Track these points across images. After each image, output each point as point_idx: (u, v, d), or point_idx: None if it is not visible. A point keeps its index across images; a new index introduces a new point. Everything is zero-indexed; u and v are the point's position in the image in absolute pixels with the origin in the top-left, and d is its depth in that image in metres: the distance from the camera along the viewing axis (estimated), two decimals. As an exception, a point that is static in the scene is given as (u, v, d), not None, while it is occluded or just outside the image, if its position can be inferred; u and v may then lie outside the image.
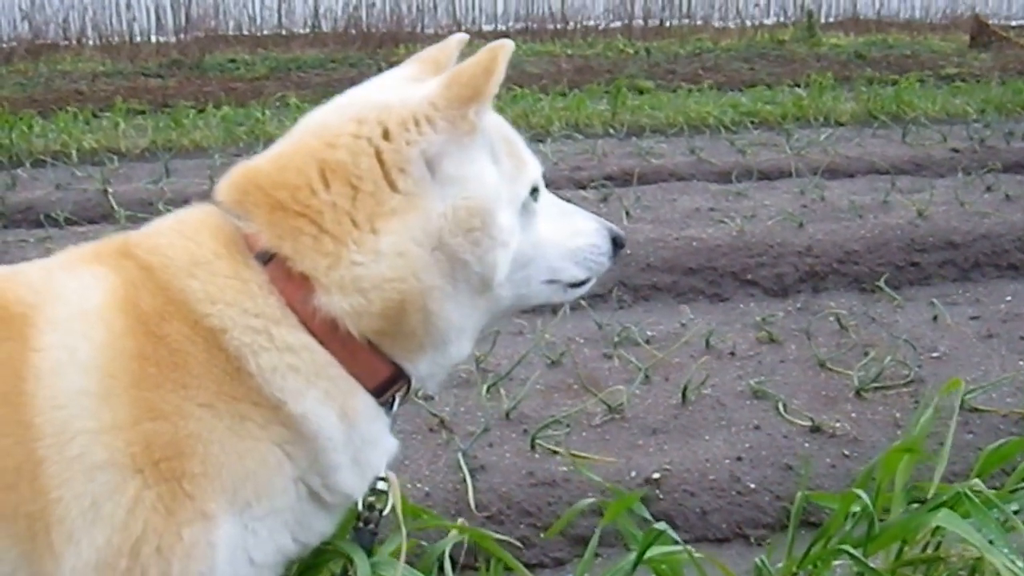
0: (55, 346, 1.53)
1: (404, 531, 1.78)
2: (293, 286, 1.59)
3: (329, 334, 1.60)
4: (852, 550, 2.05)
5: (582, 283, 1.86)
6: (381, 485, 1.76)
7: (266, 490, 1.58)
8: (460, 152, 1.64)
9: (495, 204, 1.66)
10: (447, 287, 1.65)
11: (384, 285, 1.59)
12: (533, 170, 1.76)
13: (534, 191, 1.76)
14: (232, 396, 1.56)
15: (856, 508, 2.20)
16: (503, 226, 1.67)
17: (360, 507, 1.76)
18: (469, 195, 1.64)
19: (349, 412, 1.62)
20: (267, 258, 1.60)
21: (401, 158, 1.61)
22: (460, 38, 1.94)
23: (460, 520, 2.78)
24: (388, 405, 1.70)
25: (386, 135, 1.62)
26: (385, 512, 1.78)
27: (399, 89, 1.74)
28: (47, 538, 1.49)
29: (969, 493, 1.92)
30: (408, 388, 1.72)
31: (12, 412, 1.50)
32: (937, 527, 2.04)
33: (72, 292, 1.60)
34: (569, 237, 1.83)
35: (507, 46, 1.66)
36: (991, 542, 1.87)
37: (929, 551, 2.14)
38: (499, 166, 1.70)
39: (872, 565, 2.08)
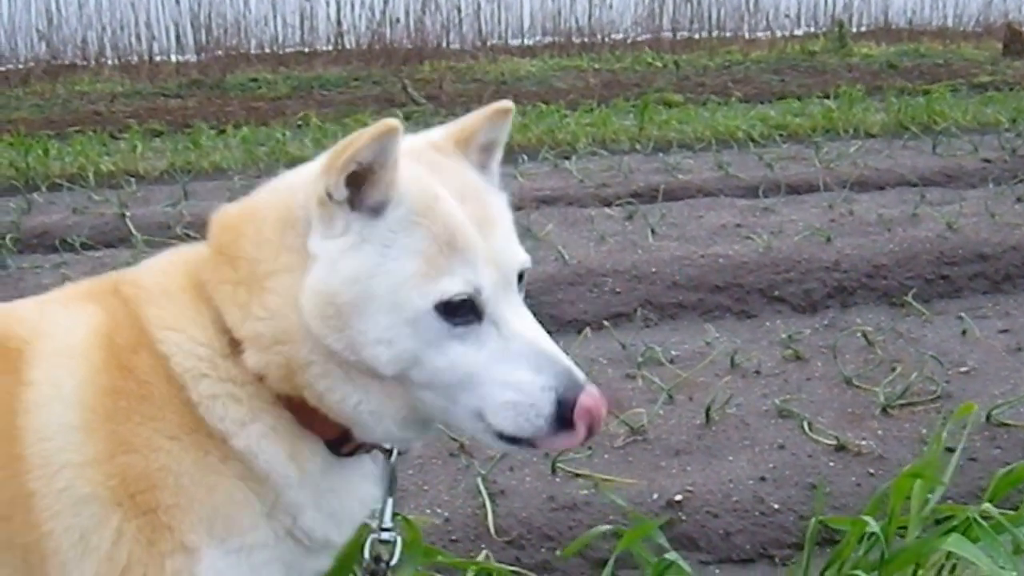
0: (43, 381, 1.58)
1: None
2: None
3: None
4: (865, 575, 2.04)
5: (515, 438, 1.57)
6: (386, 536, 1.75)
7: (237, 525, 1.57)
8: (324, 227, 1.53)
9: (354, 296, 1.51)
10: (330, 365, 1.55)
11: (273, 347, 1.55)
12: (450, 286, 1.52)
13: (454, 312, 1.53)
14: (192, 428, 1.56)
15: (874, 529, 2.19)
16: (374, 325, 1.51)
17: (367, 557, 1.75)
18: (321, 277, 1.52)
19: (299, 456, 1.60)
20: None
21: (295, 218, 1.56)
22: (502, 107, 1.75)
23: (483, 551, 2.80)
24: (362, 453, 1.66)
25: (298, 197, 1.58)
26: (392, 563, 1.76)
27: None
28: (42, 569, 1.55)
29: (978, 518, 1.91)
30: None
31: (7, 446, 1.55)
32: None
33: (61, 328, 1.64)
34: (500, 386, 1.55)
35: (386, 125, 1.50)
36: (1002, 567, 1.85)
37: (945, 574, 2.12)
38: (395, 261, 1.52)
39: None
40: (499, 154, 1.75)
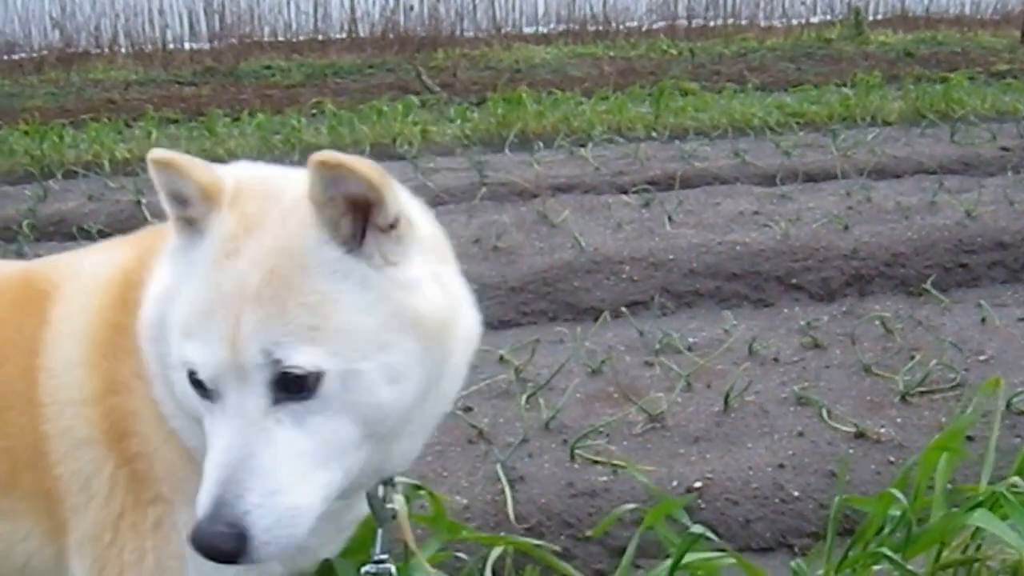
0: (59, 318, 1.57)
1: None
2: None
3: None
4: (891, 554, 2.02)
5: None
6: (376, 568, 1.68)
7: (188, 488, 1.45)
8: (176, 233, 1.46)
9: (157, 314, 1.43)
10: (158, 368, 1.48)
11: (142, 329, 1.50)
12: (181, 351, 1.38)
13: (193, 380, 1.38)
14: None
15: (896, 511, 2.18)
16: (175, 353, 1.40)
17: None
18: (154, 281, 1.46)
19: None
20: None
21: None
22: None
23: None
24: None
25: None
26: None
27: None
28: (60, 514, 1.54)
29: (1006, 493, 1.89)
30: None
31: (28, 389, 1.54)
32: (977, 529, 2.02)
33: (87, 270, 1.63)
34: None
35: (149, 156, 1.41)
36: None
37: (970, 553, 2.11)
38: (181, 298, 1.41)
39: (912, 569, 2.06)
40: (385, 214, 1.39)
